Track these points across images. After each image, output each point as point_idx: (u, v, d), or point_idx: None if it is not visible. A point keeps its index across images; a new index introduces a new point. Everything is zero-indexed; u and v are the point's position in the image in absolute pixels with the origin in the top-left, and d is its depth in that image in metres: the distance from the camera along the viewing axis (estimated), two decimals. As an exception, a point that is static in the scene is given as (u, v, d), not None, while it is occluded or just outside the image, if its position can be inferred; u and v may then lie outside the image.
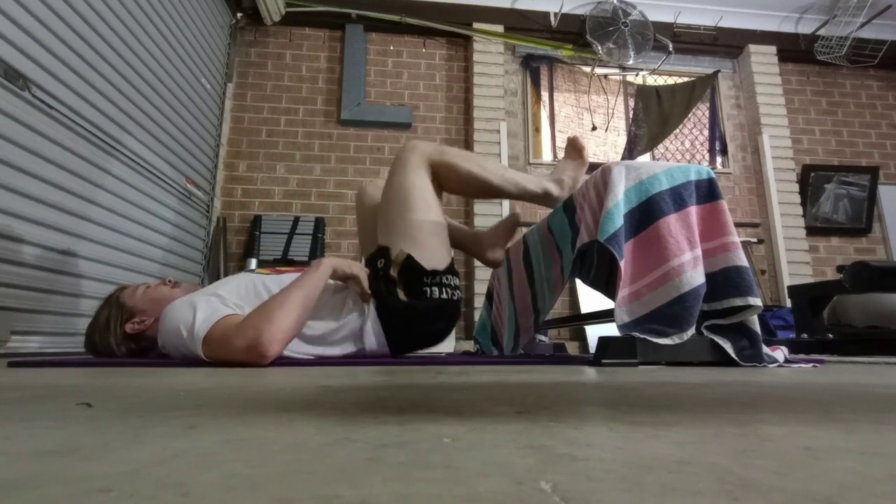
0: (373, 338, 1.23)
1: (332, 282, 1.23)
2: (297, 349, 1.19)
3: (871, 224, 3.73)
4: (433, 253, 1.27)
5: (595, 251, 1.20)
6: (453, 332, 1.41)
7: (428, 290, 1.25)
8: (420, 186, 1.30)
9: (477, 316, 3.04)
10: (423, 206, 1.29)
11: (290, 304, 1.05)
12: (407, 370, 0.88)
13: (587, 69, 3.75)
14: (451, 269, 1.31)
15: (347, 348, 1.23)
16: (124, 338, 1.20)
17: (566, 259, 1.33)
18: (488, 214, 3.30)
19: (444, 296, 1.27)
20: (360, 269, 1.22)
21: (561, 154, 3.59)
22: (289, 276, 1.22)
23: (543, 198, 1.40)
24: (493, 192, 1.37)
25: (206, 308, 1.05)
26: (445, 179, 1.35)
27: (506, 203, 3.31)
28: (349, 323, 1.23)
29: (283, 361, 1.10)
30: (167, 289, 1.26)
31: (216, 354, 1.00)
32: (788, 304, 2.59)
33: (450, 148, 1.37)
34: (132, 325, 1.20)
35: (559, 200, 1.39)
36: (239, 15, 3.38)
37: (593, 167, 3.73)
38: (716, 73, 3.86)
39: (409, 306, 1.23)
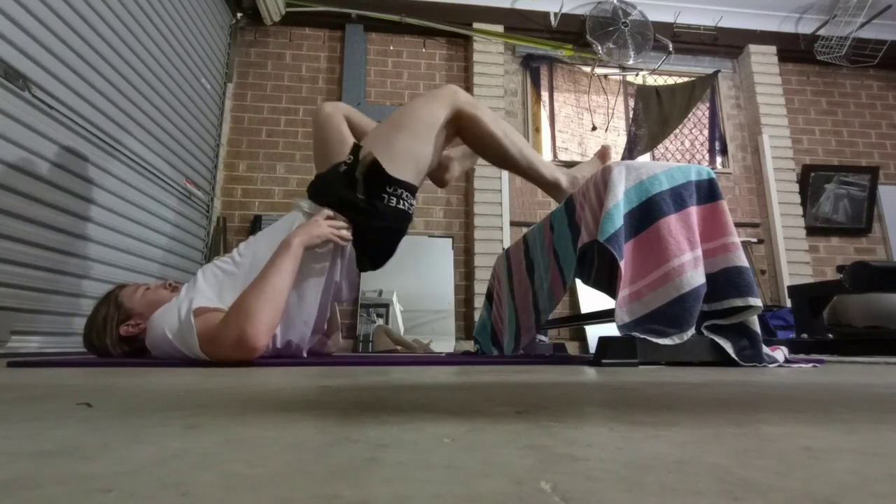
0: (344, 270, 1.29)
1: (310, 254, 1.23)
2: (290, 332, 1.22)
3: (871, 224, 3.73)
4: (403, 168, 1.27)
5: (595, 251, 1.20)
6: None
7: (386, 197, 1.27)
8: (430, 120, 1.29)
9: (477, 316, 3.04)
10: (421, 136, 1.29)
11: (265, 294, 1.05)
12: (407, 370, 0.88)
13: (587, 69, 3.75)
14: (412, 189, 1.32)
15: (324, 297, 1.27)
16: (119, 340, 1.19)
17: (565, 259, 1.33)
18: (488, 215, 3.30)
19: (402, 206, 1.29)
20: (326, 229, 1.21)
21: (561, 154, 3.61)
22: (242, 249, 1.26)
23: (552, 186, 1.40)
24: (506, 161, 1.38)
25: (187, 308, 1.06)
26: (467, 131, 1.34)
27: (506, 200, 3.30)
28: (327, 278, 1.27)
29: (281, 361, 1.10)
30: (167, 292, 1.25)
31: (207, 352, 1.01)
32: (788, 304, 2.59)
33: (483, 107, 1.36)
34: (126, 328, 1.19)
35: (566, 195, 1.39)
36: (239, 15, 3.38)
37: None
38: (716, 73, 3.86)
39: (367, 203, 1.26)
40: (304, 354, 1.30)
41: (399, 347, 2.82)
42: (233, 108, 3.35)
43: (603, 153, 1.53)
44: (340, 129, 1.43)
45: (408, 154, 1.28)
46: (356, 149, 1.29)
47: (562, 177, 1.40)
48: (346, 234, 1.24)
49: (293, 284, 1.15)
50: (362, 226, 1.27)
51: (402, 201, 1.29)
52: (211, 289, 1.18)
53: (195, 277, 1.23)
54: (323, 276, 1.26)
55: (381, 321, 3.10)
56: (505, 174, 3.36)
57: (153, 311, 1.16)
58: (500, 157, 1.37)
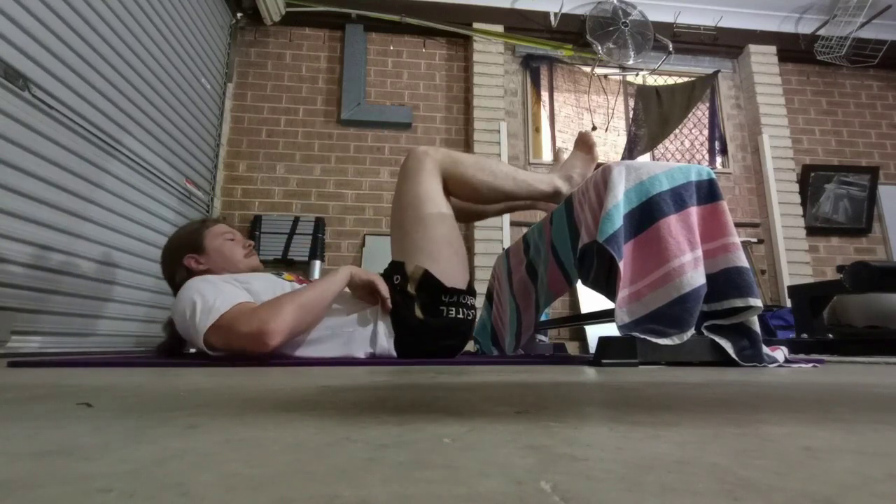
0: (384, 341, 1.21)
1: (349, 293, 1.22)
2: (305, 350, 1.19)
3: (871, 224, 3.73)
4: (451, 268, 1.23)
5: (594, 251, 1.20)
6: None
7: (445, 309, 1.22)
8: (433, 197, 1.25)
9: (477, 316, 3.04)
10: (437, 217, 1.25)
11: (300, 301, 1.06)
12: (407, 370, 0.88)
13: (587, 69, 3.75)
14: (470, 289, 1.28)
15: (357, 349, 1.21)
16: (181, 266, 1.23)
17: (567, 259, 1.33)
18: (488, 226, 3.29)
19: (461, 315, 1.25)
20: (378, 278, 1.20)
21: (561, 154, 3.60)
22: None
23: (554, 196, 1.38)
24: (505, 197, 1.34)
25: (225, 292, 1.06)
26: (458, 189, 1.30)
27: (506, 221, 3.28)
28: (361, 323, 1.22)
29: (282, 362, 1.10)
30: (241, 252, 1.28)
31: (221, 336, 1.01)
32: (788, 304, 2.59)
33: (460, 155, 1.32)
34: (189, 260, 1.23)
35: (562, 199, 1.39)
36: (239, 15, 3.38)
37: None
38: (716, 73, 3.86)
39: (423, 323, 1.21)
40: None
41: None
42: (233, 108, 3.35)
43: (582, 140, 1.44)
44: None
45: (440, 246, 1.23)
46: (398, 265, 1.24)
47: (559, 182, 1.38)
48: (387, 301, 1.20)
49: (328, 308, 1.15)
50: (413, 345, 1.22)
51: (461, 310, 1.24)
52: (266, 294, 1.15)
53: (255, 274, 1.24)
54: (345, 319, 1.22)
55: None
56: (505, 174, 3.36)
57: (220, 263, 1.19)
58: (499, 197, 1.32)
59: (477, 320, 1.49)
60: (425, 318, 1.21)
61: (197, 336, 1.02)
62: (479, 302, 3.08)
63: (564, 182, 1.39)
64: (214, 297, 1.04)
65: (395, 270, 1.25)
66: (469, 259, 3.28)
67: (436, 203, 1.26)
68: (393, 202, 1.33)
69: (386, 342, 1.21)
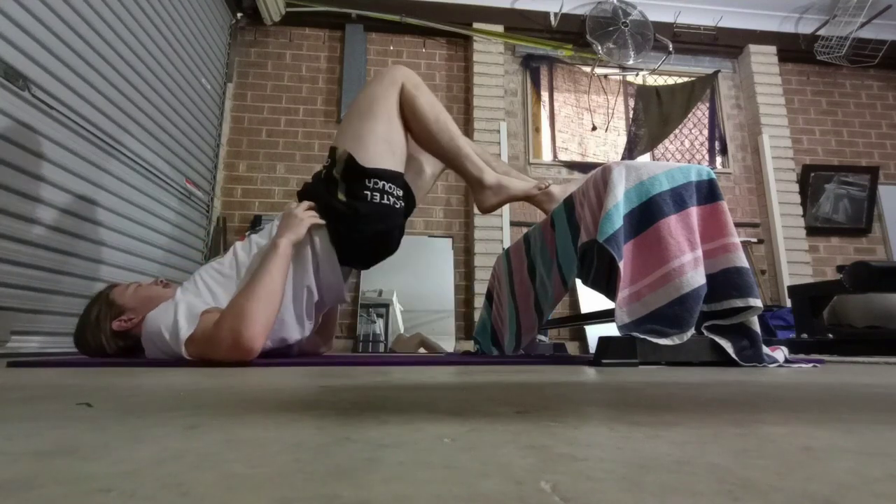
0: (324, 254, 1.25)
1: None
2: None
3: (871, 224, 3.73)
4: (378, 157, 1.26)
5: (595, 251, 1.20)
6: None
7: (369, 193, 1.25)
8: (385, 101, 1.29)
9: (477, 316, 3.04)
10: (383, 117, 1.28)
11: (258, 296, 1.05)
12: (407, 370, 0.88)
13: (587, 69, 3.75)
14: (395, 178, 1.29)
15: (306, 278, 1.24)
16: (112, 335, 1.19)
17: (565, 259, 1.33)
18: (488, 226, 3.30)
19: (387, 202, 1.26)
20: (307, 217, 1.22)
21: (561, 154, 3.60)
22: (237, 250, 1.26)
23: (476, 182, 1.37)
24: (432, 144, 1.34)
25: (184, 308, 1.06)
26: (404, 108, 1.32)
27: (506, 222, 3.28)
28: (302, 255, 1.24)
29: (281, 361, 1.10)
30: (158, 288, 1.26)
31: (201, 353, 1.01)
32: (788, 304, 2.59)
33: (425, 89, 1.34)
34: (119, 323, 1.19)
35: (483, 195, 1.37)
36: (239, 15, 3.38)
37: (593, 167, 3.73)
38: (716, 73, 3.86)
39: (348, 206, 1.24)
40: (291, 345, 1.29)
41: (422, 350, 2.83)
42: (233, 108, 3.35)
43: (546, 192, 1.45)
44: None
45: (376, 139, 1.27)
46: (332, 150, 1.29)
47: (488, 175, 1.36)
48: (313, 215, 1.24)
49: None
50: (345, 233, 1.26)
51: (385, 196, 1.26)
52: (208, 291, 1.18)
53: (193, 277, 1.23)
54: (305, 250, 1.26)
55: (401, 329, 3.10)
56: (505, 174, 3.36)
57: (146, 307, 1.16)
58: (428, 141, 1.34)
59: (478, 321, 1.48)
60: (348, 202, 1.24)
61: (178, 355, 1.03)
62: (479, 301, 3.10)
63: (493, 179, 1.37)
64: (175, 318, 1.04)
65: (329, 155, 1.30)
66: (469, 259, 3.29)
67: (385, 106, 1.29)
68: (353, 101, 1.38)
69: (326, 253, 1.25)
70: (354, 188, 1.25)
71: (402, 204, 1.33)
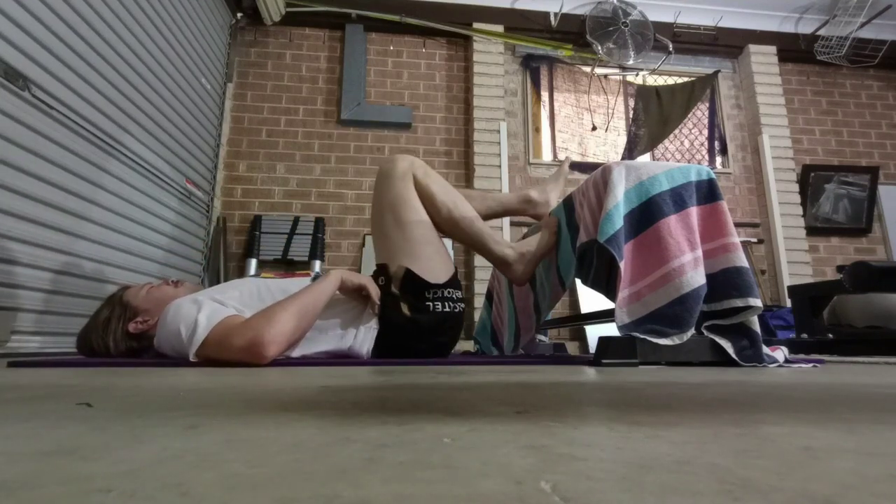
0: (363, 343, 1.22)
1: (341, 296, 1.23)
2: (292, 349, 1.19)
3: (871, 224, 3.73)
4: (432, 264, 1.26)
5: (595, 251, 1.20)
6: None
7: (431, 304, 1.24)
8: (408, 200, 1.28)
9: (477, 316, 3.04)
10: (415, 219, 1.28)
11: (293, 309, 1.06)
12: (407, 370, 0.88)
13: (587, 69, 3.75)
14: (453, 282, 1.29)
15: (335, 343, 1.22)
16: (125, 336, 1.19)
17: (564, 259, 1.33)
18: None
19: (447, 309, 1.26)
20: (368, 280, 1.22)
21: (561, 154, 3.60)
22: (294, 281, 1.23)
23: (501, 263, 1.37)
24: (458, 233, 1.34)
25: (208, 309, 1.05)
26: (421, 201, 1.32)
27: (506, 222, 3.28)
28: (344, 325, 1.23)
29: (281, 361, 1.10)
30: (171, 289, 1.26)
31: (213, 354, 1.01)
32: (788, 304, 2.59)
33: (433, 172, 1.34)
34: (135, 325, 1.19)
35: (513, 272, 1.36)
36: (239, 15, 3.38)
37: (593, 167, 3.73)
38: (716, 73, 3.86)
39: (411, 321, 1.22)
40: None
41: None
42: (233, 108, 3.35)
43: (548, 225, 1.43)
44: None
45: (423, 246, 1.26)
46: (384, 267, 1.27)
47: (509, 251, 1.36)
48: (376, 300, 1.22)
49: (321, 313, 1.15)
50: (403, 347, 1.23)
51: (447, 303, 1.25)
52: (243, 301, 1.15)
53: (230, 283, 1.23)
54: (353, 320, 1.24)
55: None
56: (505, 175, 3.36)
57: (160, 308, 1.16)
58: (450, 228, 1.33)
59: (478, 321, 1.48)
60: (412, 315, 1.23)
61: (187, 356, 1.02)
62: (479, 301, 3.10)
63: (515, 253, 1.36)
64: (197, 316, 1.03)
65: (380, 273, 1.28)
66: (469, 259, 3.29)
67: (412, 206, 1.28)
68: (372, 207, 1.36)
69: (363, 339, 1.22)
70: (416, 301, 1.24)
71: (463, 306, 1.32)
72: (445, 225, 1.33)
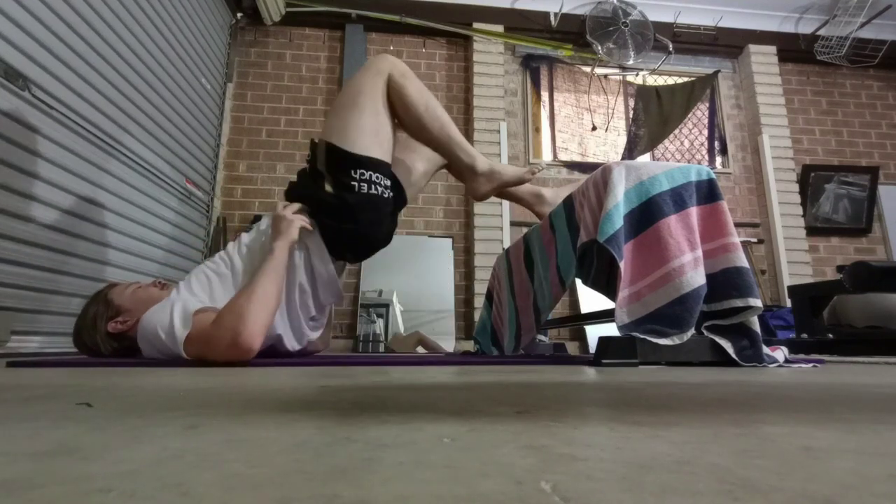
0: (317, 252, 1.24)
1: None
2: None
3: (871, 224, 3.73)
4: (360, 142, 1.24)
5: (594, 251, 1.20)
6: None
7: (356, 184, 1.23)
8: (373, 92, 1.26)
9: (477, 316, 3.04)
10: (368, 108, 1.26)
11: (258, 297, 1.06)
12: (406, 370, 0.88)
13: (587, 69, 3.75)
14: (380, 167, 1.27)
15: (300, 275, 1.23)
16: (107, 336, 1.19)
17: (564, 259, 1.33)
18: (488, 215, 3.30)
19: (374, 191, 1.24)
20: (297, 220, 1.22)
21: (561, 154, 3.60)
22: (230, 247, 1.26)
23: (468, 169, 1.35)
24: (423, 132, 1.32)
25: (180, 308, 1.06)
26: (393, 97, 1.30)
27: (506, 222, 3.29)
28: (294, 256, 1.24)
29: (281, 361, 1.10)
30: (156, 290, 1.25)
31: (199, 353, 1.02)
32: (788, 304, 2.59)
33: (413, 77, 1.32)
34: (114, 325, 1.18)
35: (476, 182, 1.36)
36: (239, 15, 3.38)
37: (593, 167, 3.73)
38: (716, 73, 3.86)
39: (336, 197, 1.22)
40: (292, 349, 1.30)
41: (420, 349, 2.83)
42: (233, 108, 3.35)
43: (531, 171, 1.43)
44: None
45: (361, 128, 1.24)
46: (312, 144, 1.27)
47: (479, 162, 1.35)
48: (305, 219, 1.23)
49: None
50: (336, 226, 1.24)
51: (373, 185, 1.24)
52: (203, 291, 1.18)
53: (188, 277, 1.23)
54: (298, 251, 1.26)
55: (399, 328, 3.10)
56: (505, 174, 3.36)
57: (143, 309, 1.15)
58: (419, 129, 1.31)
59: (478, 321, 1.48)
60: (336, 193, 1.22)
61: (174, 355, 1.03)
62: (479, 301, 3.10)
63: (486, 165, 1.36)
64: (171, 318, 1.04)
65: (310, 149, 1.28)
66: (469, 259, 3.29)
67: (371, 96, 1.26)
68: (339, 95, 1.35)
69: (317, 250, 1.24)
70: (341, 179, 1.23)
71: (392, 194, 1.31)
72: (414, 123, 1.30)
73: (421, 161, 1.47)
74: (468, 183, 1.40)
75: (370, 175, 1.25)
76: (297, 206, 1.26)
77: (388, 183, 1.30)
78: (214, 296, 1.18)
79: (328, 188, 1.23)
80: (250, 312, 1.02)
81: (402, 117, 1.32)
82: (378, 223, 1.29)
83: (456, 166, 1.38)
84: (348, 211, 1.23)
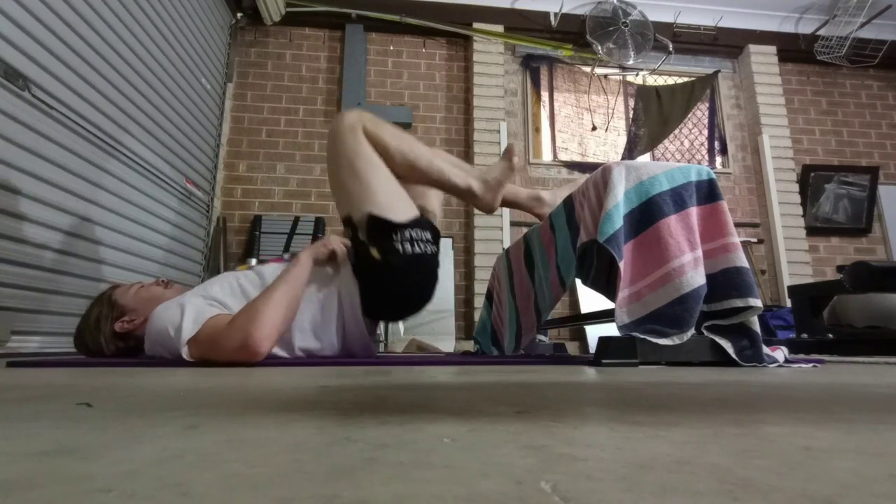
0: (351, 304, 1.24)
1: (318, 270, 1.25)
2: (285, 348, 1.20)
3: (871, 224, 3.73)
4: (393, 205, 1.26)
5: (594, 251, 1.20)
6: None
7: (400, 245, 1.23)
8: (361, 151, 1.27)
9: (477, 316, 3.04)
10: (370, 166, 1.26)
11: (275, 300, 1.06)
12: (406, 370, 0.88)
13: (587, 69, 3.75)
14: (418, 222, 1.28)
15: (329, 319, 1.24)
16: (113, 336, 1.19)
17: (564, 259, 1.33)
18: (488, 226, 3.29)
19: (418, 250, 1.25)
20: (335, 242, 1.24)
21: (561, 154, 3.61)
22: (268, 268, 1.24)
23: (466, 193, 1.36)
24: (415, 171, 1.33)
25: (193, 310, 1.06)
26: (377, 151, 1.31)
27: (506, 222, 3.29)
28: (327, 293, 1.25)
29: (280, 361, 1.10)
30: (160, 289, 1.26)
31: (204, 355, 1.01)
32: (788, 304, 2.59)
33: (382, 122, 1.33)
34: (121, 324, 1.20)
35: (481, 200, 1.37)
36: (239, 15, 3.38)
37: (593, 167, 3.73)
38: (716, 73, 3.86)
39: (384, 264, 1.23)
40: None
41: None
42: (233, 108, 3.35)
43: (506, 151, 1.43)
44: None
45: (380, 192, 1.25)
46: (348, 220, 1.28)
47: (473, 181, 1.36)
48: (342, 246, 1.25)
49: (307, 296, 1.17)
50: (381, 289, 1.24)
51: (416, 244, 1.25)
52: (226, 296, 1.17)
53: (210, 280, 1.24)
54: (330, 290, 1.26)
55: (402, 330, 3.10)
56: (505, 174, 3.36)
57: (149, 308, 1.16)
58: (410, 172, 1.32)
59: (478, 321, 1.48)
60: (383, 258, 1.23)
61: (180, 355, 1.03)
62: (479, 301, 3.10)
63: (479, 183, 1.36)
64: (182, 317, 1.04)
65: (346, 226, 1.28)
66: (469, 259, 3.29)
67: (365, 155, 1.27)
68: (327, 166, 1.34)
69: (350, 299, 1.24)
70: (385, 244, 1.24)
71: (435, 248, 1.32)
72: (403, 169, 1.31)
73: (434, 195, 1.50)
74: (473, 203, 1.40)
75: (410, 233, 1.25)
76: (341, 239, 1.28)
77: (429, 235, 1.31)
78: (234, 306, 1.16)
79: (375, 255, 1.24)
80: (265, 314, 1.03)
81: (390, 166, 1.32)
82: (423, 285, 1.31)
83: (455, 194, 1.39)
84: (394, 274, 1.24)
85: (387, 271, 1.23)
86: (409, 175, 1.33)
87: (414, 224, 1.27)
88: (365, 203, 1.25)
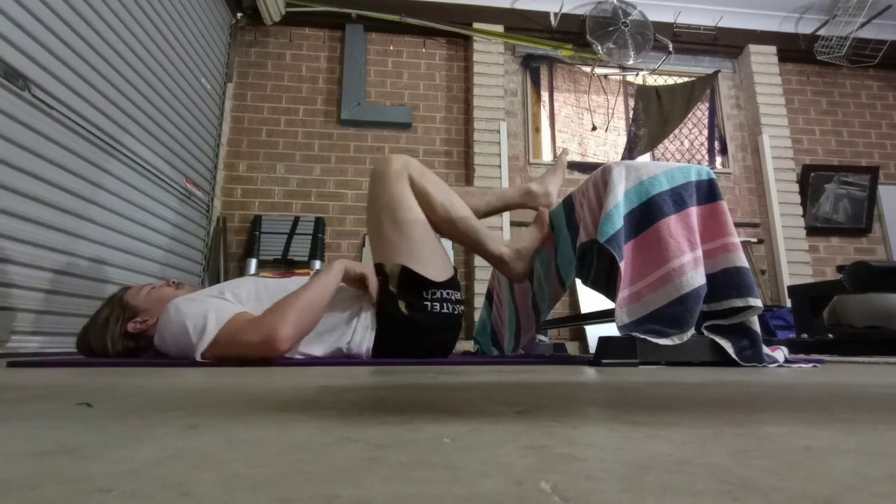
0: (362, 342, 1.22)
1: (345, 287, 1.23)
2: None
3: (871, 224, 3.73)
4: (430, 263, 1.26)
5: (595, 252, 1.20)
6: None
7: (429, 304, 1.24)
8: (405, 200, 1.28)
9: (477, 316, 3.04)
10: (411, 216, 1.27)
11: (301, 303, 1.07)
12: (407, 370, 0.88)
13: (587, 69, 3.75)
14: (452, 283, 1.29)
15: (332, 345, 1.22)
16: (123, 336, 1.20)
17: (563, 259, 1.33)
18: (488, 226, 3.29)
19: (446, 310, 1.26)
20: (369, 269, 1.23)
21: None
22: (293, 280, 1.23)
23: (498, 261, 1.38)
24: (455, 234, 1.35)
25: (216, 307, 1.06)
26: (419, 201, 1.32)
27: (506, 222, 3.29)
28: (345, 319, 1.23)
29: (281, 362, 1.10)
30: (171, 290, 1.27)
31: (224, 351, 1.01)
32: (788, 304, 2.59)
33: (429, 173, 1.34)
34: (134, 325, 1.20)
35: (512, 270, 1.37)
36: (239, 15, 3.38)
37: (593, 167, 3.73)
38: (716, 73, 3.86)
39: (409, 319, 1.22)
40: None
41: None
42: (233, 108, 3.35)
43: (540, 219, 1.47)
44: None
45: (420, 247, 1.25)
46: (380, 267, 1.27)
47: (506, 250, 1.37)
48: (374, 288, 1.22)
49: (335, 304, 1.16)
50: (400, 343, 1.24)
51: (445, 304, 1.25)
52: (249, 298, 1.17)
53: (227, 282, 1.24)
54: (348, 319, 1.24)
55: None
56: (505, 175, 3.36)
57: (160, 308, 1.16)
58: (446, 226, 1.33)
59: (478, 321, 1.48)
60: (410, 314, 1.23)
61: (194, 355, 1.02)
62: (479, 301, 3.10)
63: (512, 253, 1.38)
64: (204, 314, 1.04)
65: (378, 272, 1.28)
66: (469, 259, 3.29)
67: (408, 206, 1.28)
68: (367, 207, 1.35)
69: (362, 338, 1.22)
70: (414, 301, 1.23)
71: (462, 309, 1.32)
72: (442, 224, 1.33)
73: (478, 195, 1.55)
74: (503, 271, 1.41)
75: (441, 293, 1.26)
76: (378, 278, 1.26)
77: (459, 296, 1.31)
78: (258, 309, 1.16)
79: (403, 309, 1.23)
80: (291, 315, 1.03)
81: (429, 218, 1.32)
82: (443, 342, 1.31)
83: (486, 259, 1.40)
84: (416, 331, 1.24)
85: (410, 325, 1.23)
86: (446, 232, 1.35)
87: (447, 284, 1.27)
88: (401, 255, 1.25)
